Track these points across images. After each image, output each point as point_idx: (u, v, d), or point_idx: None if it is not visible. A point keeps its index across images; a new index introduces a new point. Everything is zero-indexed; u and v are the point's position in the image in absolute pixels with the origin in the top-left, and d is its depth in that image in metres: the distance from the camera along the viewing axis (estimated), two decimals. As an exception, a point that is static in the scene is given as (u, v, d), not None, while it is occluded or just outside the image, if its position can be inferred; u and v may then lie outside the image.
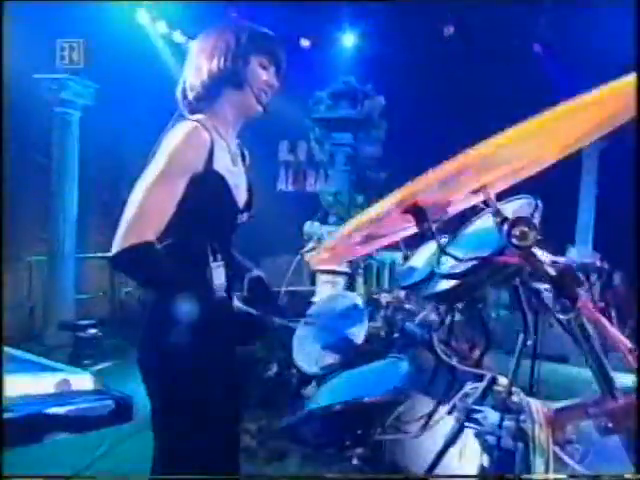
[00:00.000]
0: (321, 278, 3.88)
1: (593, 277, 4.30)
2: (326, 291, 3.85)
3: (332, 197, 3.72)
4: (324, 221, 3.87)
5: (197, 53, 1.36)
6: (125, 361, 4.56)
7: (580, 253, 6.83)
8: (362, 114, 3.73)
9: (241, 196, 1.37)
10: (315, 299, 3.88)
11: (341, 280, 3.74)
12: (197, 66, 1.35)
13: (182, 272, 1.22)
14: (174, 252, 1.22)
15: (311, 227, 3.83)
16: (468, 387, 1.08)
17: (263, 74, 1.36)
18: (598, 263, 4.44)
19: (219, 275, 1.33)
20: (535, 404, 0.78)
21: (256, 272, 1.54)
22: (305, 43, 4.53)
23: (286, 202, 7.05)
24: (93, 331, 4.45)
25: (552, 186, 6.21)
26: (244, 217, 1.41)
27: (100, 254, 5.66)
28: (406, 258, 1.93)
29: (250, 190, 1.44)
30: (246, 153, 1.53)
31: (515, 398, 0.86)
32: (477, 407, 0.86)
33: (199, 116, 1.30)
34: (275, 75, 1.39)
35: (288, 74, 1.51)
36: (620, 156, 6.56)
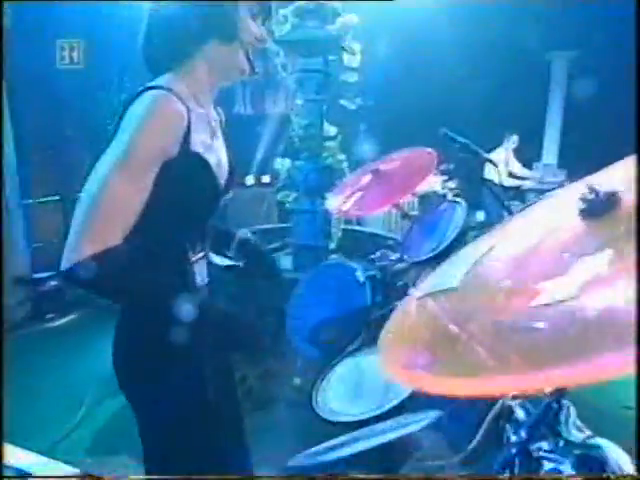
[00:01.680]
0: (296, 218, 3.67)
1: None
2: (302, 228, 3.67)
3: (303, 130, 3.41)
4: (295, 157, 3.61)
5: None
6: (89, 312, 4.38)
7: (546, 170, 6.84)
8: (332, 35, 3.34)
9: (223, 173, 1.14)
10: (291, 239, 3.70)
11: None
12: (170, 10, 1.03)
13: (158, 275, 0.99)
14: (146, 252, 1.01)
15: (282, 164, 3.56)
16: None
17: (253, 25, 1.09)
18: (565, 182, 4.42)
19: (201, 270, 1.14)
20: (620, 457, 0.65)
21: (241, 233, 1.35)
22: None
23: (247, 126, 6.65)
24: (53, 283, 4.18)
25: (520, 100, 6.07)
26: (228, 196, 1.18)
27: (50, 197, 5.32)
28: (404, 217, 1.76)
29: (231, 161, 1.20)
30: (222, 114, 1.26)
31: (578, 433, 0.73)
32: (550, 459, 0.72)
33: (170, 79, 1.01)
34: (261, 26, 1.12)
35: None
36: (589, 68, 6.42)
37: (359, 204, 1.50)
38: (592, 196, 0.47)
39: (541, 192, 6.31)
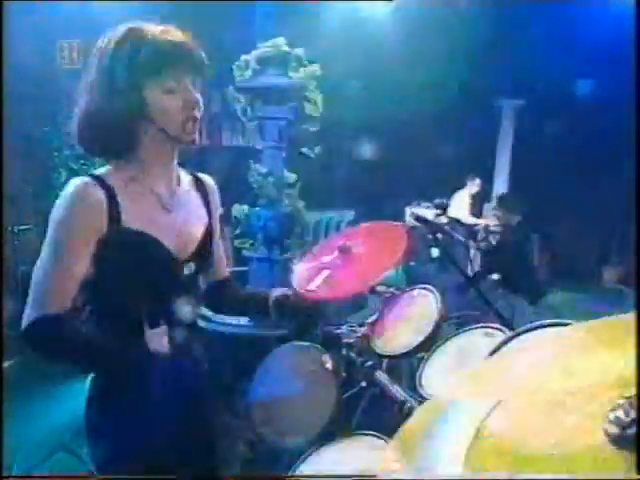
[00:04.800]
0: (254, 266, 3.58)
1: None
2: (260, 277, 3.57)
3: (263, 178, 3.35)
4: (253, 203, 3.54)
5: (88, 79, 1.08)
6: (27, 357, 4.06)
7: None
8: (294, 84, 3.33)
9: (182, 243, 1.15)
10: (248, 288, 3.58)
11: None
12: (88, 98, 1.07)
13: (111, 341, 1.09)
14: (101, 320, 1.13)
15: (240, 211, 3.47)
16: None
17: (171, 103, 1.06)
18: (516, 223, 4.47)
19: (159, 343, 1.11)
20: None
21: (277, 292, 1.36)
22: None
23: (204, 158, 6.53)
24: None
25: (470, 146, 6.30)
26: (191, 267, 1.18)
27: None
28: (372, 292, 1.70)
29: (210, 228, 1.23)
30: (207, 183, 1.28)
31: None
32: None
33: (105, 168, 1.12)
34: (190, 88, 1.08)
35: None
36: (536, 115, 6.76)
37: (329, 285, 1.43)
38: (628, 420, 0.41)
39: (494, 233, 6.54)
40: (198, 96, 1.10)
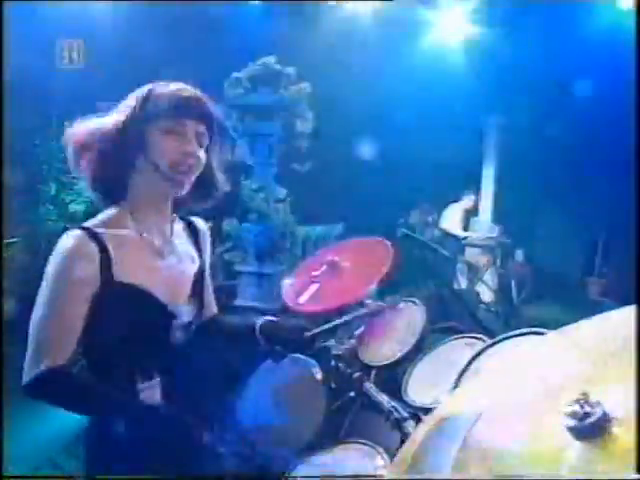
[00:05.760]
0: (244, 280, 3.62)
1: (496, 250, 4.43)
2: (250, 290, 3.60)
3: (254, 193, 3.41)
4: (244, 218, 3.58)
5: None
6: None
7: (481, 225, 7.19)
8: (285, 101, 3.40)
9: (176, 288, 1.14)
10: (238, 301, 3.62)
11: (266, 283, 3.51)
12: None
13: (106, 391, 1.08)
14: (97, 372, 1.10)
15: (230, 225, 3.52)
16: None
17: (168, 142, 1.06)
18: (500, 237, 4.60)
19: (151, 397, 1.11)
20: None
21: (261, 319, 1.29)
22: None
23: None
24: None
25: (455, 158, 6.36)
26: (186, 313, 1.15)
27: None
28: (359, 304, 1.74)
29: (202, 271, 1.21)
30: (199, 227, 1.27)
31: None
32: None
33: (97, 218, 1.10)
34: (190, 135, 1.07)
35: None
36: (519, 130, 6.88)
37: (315, 298, 1.48)
38: (582, 412, 0.47)
39: (480, 247, 6.63)
40: (196, 147, 1.07)
